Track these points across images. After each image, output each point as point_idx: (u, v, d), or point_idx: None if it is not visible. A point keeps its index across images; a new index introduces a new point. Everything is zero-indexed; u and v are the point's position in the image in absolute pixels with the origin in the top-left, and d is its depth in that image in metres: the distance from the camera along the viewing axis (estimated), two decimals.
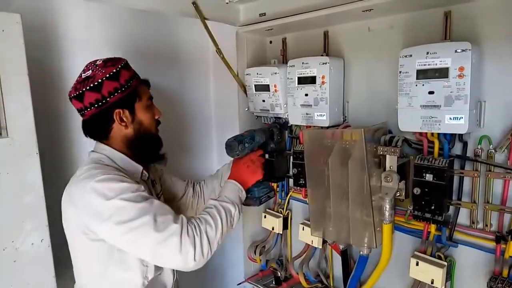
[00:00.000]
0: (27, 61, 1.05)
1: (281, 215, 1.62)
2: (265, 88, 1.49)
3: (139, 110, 1.07)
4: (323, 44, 1.42)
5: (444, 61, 1.00)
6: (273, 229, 1.63)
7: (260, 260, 1.69)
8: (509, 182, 1.03)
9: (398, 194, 1.13)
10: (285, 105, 1.46)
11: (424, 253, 1.17)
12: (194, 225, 0.97)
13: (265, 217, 1.66)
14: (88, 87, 0.99)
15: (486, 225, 1.08)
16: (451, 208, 1.11)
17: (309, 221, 1.37)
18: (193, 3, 1.39)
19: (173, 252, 0.92)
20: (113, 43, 1.47)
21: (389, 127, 1.24)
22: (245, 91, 1.61)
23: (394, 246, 1.22)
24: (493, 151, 1.04)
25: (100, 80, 0.99)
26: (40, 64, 1.24)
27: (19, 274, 1.08)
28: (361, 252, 1.23)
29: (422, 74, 1.05)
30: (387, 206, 1.12)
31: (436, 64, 1.02)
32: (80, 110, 1.04)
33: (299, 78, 1.37)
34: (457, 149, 1.11)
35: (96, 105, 1.01)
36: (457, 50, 0.98)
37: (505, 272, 1.04)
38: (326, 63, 1.28)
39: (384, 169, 1.13)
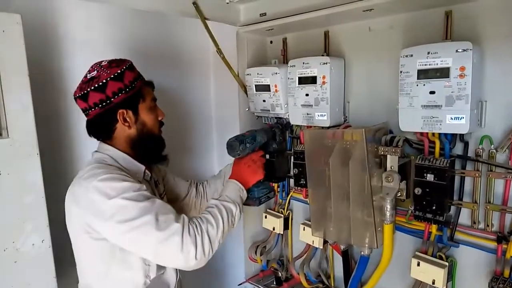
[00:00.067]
0: (28, 61, 1.05)
1: (282, 215, 1.62)
2: (266, 88, 1.49)
3: (142, 111, 1.09)
4: (323, 44, 1.42)
5: (445, 61, 1.00)
6: (274, 229, 1.63)
7: (261, 260, 1.69)
8: (510, 182, 1.03)
9: (399, 194, 1.13)
10: (285, 105, 1.46)
11: (425, 253, 1.17)
12: (196, 224, 0.98)
13: (265, 217, 1.65)
14: (92, 87, 1.01)
15: (488, 225, 1.08)
16: (452, 208, 1.11)
17: (310, 221, 1.37)
18: (194, 3, 1.39)
19: (174, 251, 0.93)
20: (114, 43, 1.47)
21: (390, 127, 1.23)
22: (245, 91, 1.61)
23: (395, 246, 1.21)
24: (494, 151, 1.04)
25: (104, 81, 1.01)
26: (40, 64, 1.24)
27: (20, 275, 1.08)
28: (362, 253, 1.23)
29: (423, 74, 1.04)
30: (388, 206, 1.12)
31: (437, 64, 1.01)
32: (84, 110, 1.06)
33: (299, 78, 1.36)
34: (458, 149, 1.11)
35: (100, 105, 1.02)
36: (458, 50, 0.98)
37: (506, 273, 1.04)
38: (326, 63, 1.28)
39: (385, 169, 1.13)
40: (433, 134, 1.09)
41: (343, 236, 1.24)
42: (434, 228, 1.15)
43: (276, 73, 1.44)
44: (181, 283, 1.22)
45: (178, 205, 1.35)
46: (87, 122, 1.08)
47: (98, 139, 1.11)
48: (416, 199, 1.08)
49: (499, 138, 1.05)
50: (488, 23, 1.04)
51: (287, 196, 1.62)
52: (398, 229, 1.23)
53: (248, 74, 1.54)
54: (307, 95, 1.35)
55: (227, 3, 1.46)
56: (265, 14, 1.43)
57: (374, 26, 1.29)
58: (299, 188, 1.49)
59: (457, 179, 1.11)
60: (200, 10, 1.41)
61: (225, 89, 1.75)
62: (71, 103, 1.34)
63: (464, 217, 1.12)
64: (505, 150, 1.02)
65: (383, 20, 1.26)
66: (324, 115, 1.32)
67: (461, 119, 1.00)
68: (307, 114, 1.37)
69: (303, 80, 1.35)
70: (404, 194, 1.13)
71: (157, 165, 1.26)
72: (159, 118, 1.15)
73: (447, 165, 1.03)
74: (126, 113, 1.05)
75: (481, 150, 1.06)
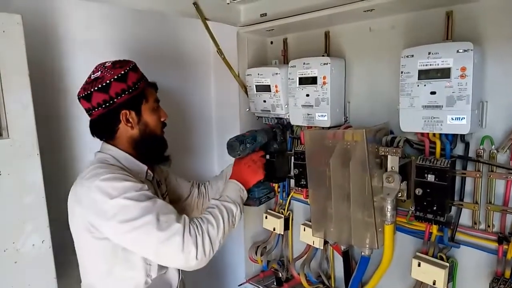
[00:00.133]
0: (28, 61, 1.05)
1: (282, 216, 1.62)
2: (266, 88, 1.49)
3: (145, 111, 1.09)
4: (324, 44, 1.42)
5: (446, 61, 1.00)
6: (274, 229, 1.63)
7: (261, 260, 1.69)
8: (511, 182, 1.02)
9: (400, 195, 1.12)
10: (286, 106, 1.46)
11: (426, 254, 1.17)
12: (196, 225, 0.98)
13: (266, 217, 1.65)
14: (96, 88, 1.02)
15: (488, 226, 1.08)
16: (453, 208, 1.11)
17: (310, 221, 1.37)
18: (194, 3, 1.39)
19: (175, 251, 0.93)
20: (114, 43, 1.47)
21: (390, 128, 1.23)
22: (246, 92, 1.61)
23: (396, 247, 1.21)
24: (495, 151, 1.04)
25: (108, 81, 1.01)
26: (40, 64, 1.24)
27: (20, 275, 1.08)
28: (362, 253, 1.23)
29: (424, 74, 1.04)
30: (389, 207, 1.11)
31: (438, 64, 1.01)
32: (88, 110, 1.06)
33: (300, 79, 1.36)
34: (459, 149, 1.10)
35: (103, 106, 1.03)
36: (459, 50, 0.97)
37: (507, 273, 1.04)
38: (327, 64, 1.28)
39: (386, 170, 1.12)
40: (434, 134, 1.09)
41: (343, 237, 1.23)
42: (434, 228, 1.14)
43: (277, 73, 1.44)
44: (184, 282, 1.23)
45: (180, 205, 1.36)
46: (90, 122, 1.09)
47: (101, 139, 1.12)
48: (417, 199, 1.08)
49: (500, 138, 1.05)
50: (489, 23, 1.04)
51: (288, 196, 1.62)
52: (399, 230, 1.22)
53: (248, 75, 1.54)
54: (307, 95, 1.35)
55: (228, 3, 1.46)
56: (265, 14, 1.43)
57: (375, 27, 1.29)
58: (299, 188, 1.49)
59: (458, 180, 1.11)
60: (201, 10, 1.41)
61: (225, 89, 1.75)
62: (71, 103, 1.35)
63: (465, 218, 1.12)
64: (506, 151, 1.02)
65: (383, 21, 1.26)
66: (325, 115, 1.32)
67: (462, 119, 1.00)
68: (308, 114, 1.37)
69: (303, 81, 1.35)
70: (405, 194, 1.13)
71: (159, 166, 1.27)
72: (162, 119, 1.16)
73: (448, 165, 1.03)
74: (129, 113, 1.06)
75: (482, 151, 1.06)
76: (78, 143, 1.39)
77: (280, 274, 1.68)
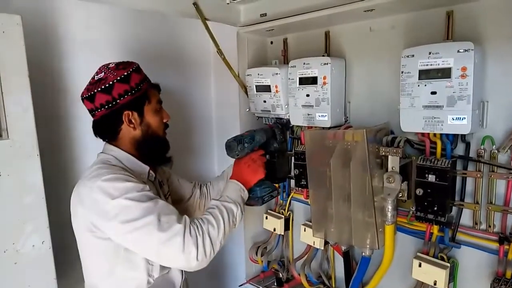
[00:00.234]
0: (28, 62, 1.05)
1: (283, 216, 1.62)
2: (266, 88, 1.49)
3: (148, 112, 1.10)
4: (324, 44, 1.42)
5: (446, 61, 1.00)
6: (274, 230, 1.63)
7: (262, 261, 1.69)
8: None
9: (401, 195, 1.12)
10: (286, 106, 1.46)
11: (427, 254, 1.17)
12: (197, 225, 0.98)
13: (266, 218, 1.65)
14: (99, 89, 1.02)
15: (489, 226, 1.07)
16: (454, 209, 1.11)
17: (310, 222, 1.37)
18: (194, 3, 1.39)
19: (176, 252, 0.93)
20: (114, 43, 1.46)
21: (391, 128, 1.23)
22: (246, 92, 1.61)
23: (397, 247, 1.21)
24: (496, 151, 1.04)
25: (111, 82, 1.02)
26: (40, 65, 1.24)
27: (20, 276, 1.08)
28: (363, 253, 1.22)
29: (425, 74, 1.04)
30: (389, 207, 1.11)
31: (439, 64, 1.01)
32: (91, 111, 1.07)
33: (300, 79, 1.36)
34: (460, 149, 1.10)
35: (106, 106, 1.03)
36: (460, 50, 0.97)
37: (508, 273, 1.04)
38: (327, 64, 1.28)
39: (386, 170, 1.12)
40: (435, 134, 1.09)
41: (344, 237, 1.23)
42: (435, 229, 1.14)
43: (277, 73, 1.44)
44: (187, 282, 1.23)
45: (182, 206, 1.36)
46: (93, 122, 1.10)
47: (103, 140, 1.12)
48: (418, 199, 1.07)
49: (500, 138, 1.04)
50: (489, 23, 1.04)
51: (288, 197, 1.62)
52: (400, 230, 1.22)
53: (248, 75, 1.54)
54: (307, 95, 1.34)
55: (228, 3, 1.46)
56: (265, 14, 1.43)
57: (375, 26, 1.29)
58: (300, 188, 1.49)
59: (458, 180, 1.10)
60: (201, 10, 1.41)
61: (225, 89, 1.75)
62: (71, 103, 1.35)
63: (466, 218, 1.12)
64: (507, 151, 1.02)
65: (384, 20, 1.25)
66: (325, 115, 1.32)
67: (462, 119, 1.00)
68: (308, 114, 1.36)
69: (303, 81, 1.35)
70: (406, 194, 1.12)
71: (161, 167, 1.27)
72: (164, 120, 1.16)
73: (449, 165, 1.02)
74: (132, 114, 1.07)
75: (483, 151, 1.05)
76: (78, 143, 1.39)
77: (280, 274, 1.68)
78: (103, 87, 1.02)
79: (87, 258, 1.07)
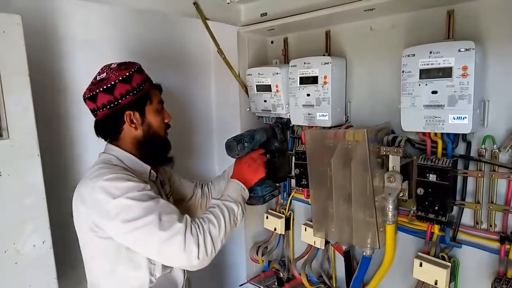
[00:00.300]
0: (28, 62, 1.05)
1: (283, 216, 1.61)
2: (267, 88, 1.48)
3: (149, 113, 1.10)
4: (325, 44, 1.42)
5: (447, 60, 0.99)
6: (275, 229, 1.63)
7: (262, 261, 1.68)
8: None
9: (401, 195, 1.12)
10: (287, 105, 1.46)
11: (428, 253, 1.16)
12: (198, 224, 0.99)
13: (267, 217, 1.65)
14: (101, 89, 1.03)
15: (490, 226, 1.07)
16: (455, 208, 1.10)
17: (311, 221, 1.37)
18: (194, 3, 1.39)
19: (177, 251, 0.93)
20: (114, 43, 1.46)
21: (391, 127, 1.23)
22: (246, 92, 1.61)
23: (397, 247, 1.21)
24: (497, 151, 1.03)
25: (113, 83, 1.03)
26: (40, 64, 1.24)
27: (21, 276, 1.08)
28: (364, 253, 1.22)
29: (425, 73, 1.04)
30: (390, 207, 1.11)
31: (440, 64, 1.01)
32: (93, 111, 1.08)
33: (301, 78, 1.36)
34: (461, 149, 1.10)
35: (108, 106, 1.04)
36: (461, 49, 0.97)
37: (509, 273, 1.04)
38: (328, 63, 1.28)
39: (387, 170, 1.12)
40: (436, 134, 1.09)
41: (345, 237, 1.23)
42: (436, 228, 1.14)
43: (277, 73, 1.43)
44: (189, 282, 1.23)
45: (184, 206, 1.37)
46: (95, 122, 1.10)
47: (105, 140, 1.13)
48: (419, 199, 1.07)
49: (501, 138, 1.04)
50: (490, 22, 1.04)
51: (289, 196, 1.62)
52: (400, 230, 1.22)
53: (249, 74, 1.54)
54: (308, 95, 1.34)
55: (228, 3, 1.45)
56: (266, 14, 1.43)
57: (376, 26, 1.28)
58: (300, 188, 1.49)
59: (459, 179, 1.10)
60: (201, 10, 1.41)
61: (226, 89, 1.75)
62: (71, 103, 1.35)
63: (467, 218, 1.12)
64: (508, 150, 1.02)
65: (384, 20, 1.25)
66: (326, 115, 1.32)
67: (463, 119, 1.00)
68: (309, 114, 1.36)
69: (304, 80, 1.35)
70: (406, 194, 1.12)
71: (162, 167, 1.27)
72: (166, 121, 1.17)
73: (450, 165, 1.02)
74: (133, 114, 1.07)
75: (484, 150, 1.05)
76: (78, 143, 1.39)
77: (281, 274, 1.68)
78: (105, 87, 1.02)
79: (89, 258, 1.07)
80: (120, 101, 1.04)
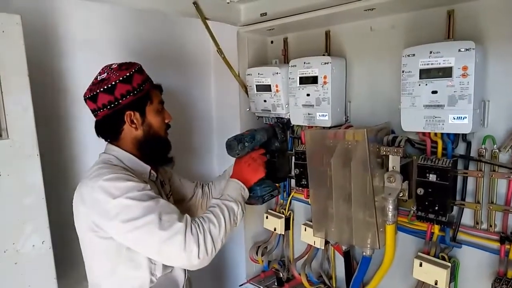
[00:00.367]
0: (27, 61, 1.05)
1: (283, 216, 1.61)
2: (267, 88, 1.48)
3: (149, 113, 1.11)
4: (324, 44, 1.42)
5: (447, 60, 0.99)
6: (275, 229, 1.62)
7: (262, 261, 1.68)
8: None
9: (401, 195, 1.12)
10: (286, 105, 1.46)
11: (428, 254, 1.16)
12: (198, 224, 0.99)
13: (267, 217, 1.65)
14: (102, 89, 1.03)
15: (490, 226, 1.07)
16: (455, 208, 1.10)
17: (311, 221, 1.36)
18: (194, 3, 1.39)
19: (177, 250, 0.93)
20: (114, 43, 1.46)
21: (391, 127, 1.23)
22: (246, 91, 1.61)
23: (397, 247, 1.21)
24: (497, 151, 1.03)
25: (113, 83, 1.03)
26: (40, 64, 1.24)
27: (20, 276, 1.08)
28: (364, 253, 1.22)
29: (425, 73, 1.04)
30: (390, 207, 1.11)
31: (440, 64, 1.01)
32: (93, 111, 1.08)
33: (300, 78, 1.36)
34: (461, 149, 1.10)
35: (108, 106, 1.04)
36: (461, 49, 0.97)
37: (509, 273, 1.03)
38: (328, 63, 1.28)
39: (387, 170, 1.12)
40: (436, 134, 1.09)
41: (344, 237, 1.23)
42: (436, 228, 1.14)
43: (277, 73, 1.43)
44: (190, 281, 1.23)
45: (184, 205, 1.37)
46: (96, 122, 1.10)
47: (106, 140, 1.13)
48: (419, 199, 1.07)
49: (502, 138, 1.04)
50: (490, 22, 1.04)
51: (288, 196, 1.61)
52: (400, 230, 1.22)
53: (249, 74, 1.54)
54: (308, 95, 1.34)
55: (228, 3, 1.45)
56: (265, 14, 1.43)
57: (376, 26, 1.28)
58: (300, 188, 1.49)
59: (459, 179, 1.10)
60: (201, 10, 1.41)
61: (225, 89, 1.75)
62: (71, 103, 1.35)
63: (467, 218, 1.12)
64: (508, 150, 1.02)
65: (384, 20, 1.25)
66: (326, 115, 1.31)
67: (463, 119, 0.99)
68: (308, 114, 1.36)
69: (304, 80, 1.35)
70: (406, 194, 1.12)
71: (163, 167, 1.27)
72: (166, 121, 1.17)
73: (450, 165, 1.02)
74: (134, 114, 1.07)
75: (484, 150, 1.05)
76: (78, 143, 1.39)
77: (281, 274, 1.67)
78: (105, 87, 1.03)
79: (89, 258, 1.08)
80: (120, 101, 1.04)
